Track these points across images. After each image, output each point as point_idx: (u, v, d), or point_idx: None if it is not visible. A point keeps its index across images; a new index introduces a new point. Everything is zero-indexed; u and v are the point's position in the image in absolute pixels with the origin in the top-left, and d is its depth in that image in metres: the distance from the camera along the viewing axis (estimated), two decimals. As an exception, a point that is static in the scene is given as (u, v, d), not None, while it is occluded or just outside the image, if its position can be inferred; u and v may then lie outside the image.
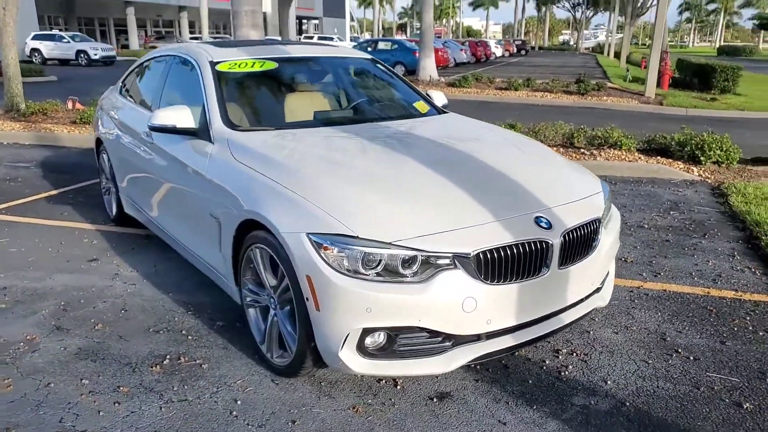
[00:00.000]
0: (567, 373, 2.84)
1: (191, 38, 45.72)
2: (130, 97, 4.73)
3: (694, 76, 20.46)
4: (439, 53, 26.78)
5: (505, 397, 2.64)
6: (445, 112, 4.09)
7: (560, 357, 2.99)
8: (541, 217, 2.61)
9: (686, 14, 78.08)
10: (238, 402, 2.63)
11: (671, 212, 5.45)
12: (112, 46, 34.33)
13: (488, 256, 2.40)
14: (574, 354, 3.02)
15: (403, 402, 2.62)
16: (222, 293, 3.50)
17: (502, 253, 2.42)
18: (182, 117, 3.36)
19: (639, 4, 40.73)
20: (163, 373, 2.86)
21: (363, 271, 2.34)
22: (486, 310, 2.42)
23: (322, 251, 2.38)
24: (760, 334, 3.22)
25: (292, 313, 2.65)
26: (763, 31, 65.85)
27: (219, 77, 3.59)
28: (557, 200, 2.76)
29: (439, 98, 4.31)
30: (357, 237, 2.36)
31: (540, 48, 68.89)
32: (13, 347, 3.11)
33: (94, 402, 2.62)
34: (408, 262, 2.35)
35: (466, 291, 2.36)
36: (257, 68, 3.81)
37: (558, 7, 63.23)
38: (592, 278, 2.86)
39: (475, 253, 2.38)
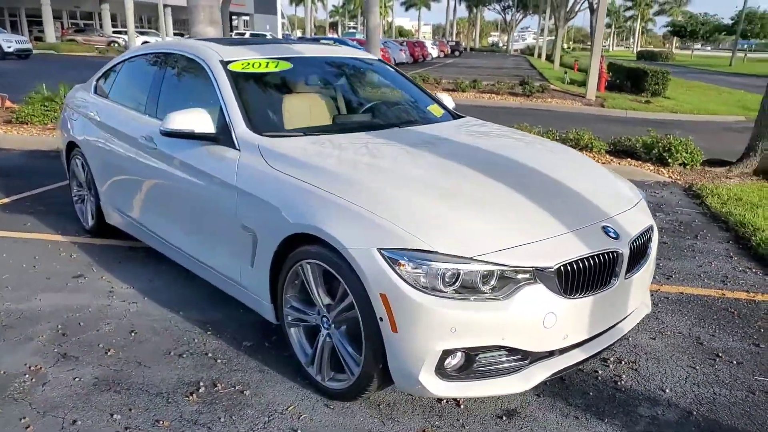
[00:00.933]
0: (623, 383, 2.81)
1: (114, 32, 43.59)
2: (112, 97, 4.36)
3: (627, 79, 21.37)
4: (416, 49, 26.81)
5: (573, 411, 2.58)
6: (460, 116, 3.99)
7: (610, 366, 2.95)
8: (608, 226, 2.55)
9: (606, 20, 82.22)
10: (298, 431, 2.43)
11: (657, 214, 5.59)
12: (26, 38, 32.11)
13: (568, 269, 2.32)
14: (622, 362, 2.99)
15: (471, 422, 2.50)
16: (238, 310, 3.28)
17: (580, 266, 2.35)
18: (201, 121, 3.10)
19: (569, 9, 42.32)
20: (203, 403, 2.61)
21: (442, 288, 2.21)
22: (564, 324, 2.34)
23: (397, 267, 2.22)
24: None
25: (353, 332, 2.48)
26: (675, 38, 69.74)
27: (234, 78, 3.34)
28: (616, 208, 2.72)
29: (448, 101, 4.21)
30: (436, 252, 2.22)
31: (471, 49, 70.25)
32: (18, 380, 2.77)
33: (135, 440, 2.36)
34: (487, 277, 2.23)
35: (546, 306, 2.27)
36: (272, 69, 3.58)
37: (489, 9, 64.74)
38: (645, 286, 2.84)
39: (557, 266, 2.29)
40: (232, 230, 2.98)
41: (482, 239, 2.29)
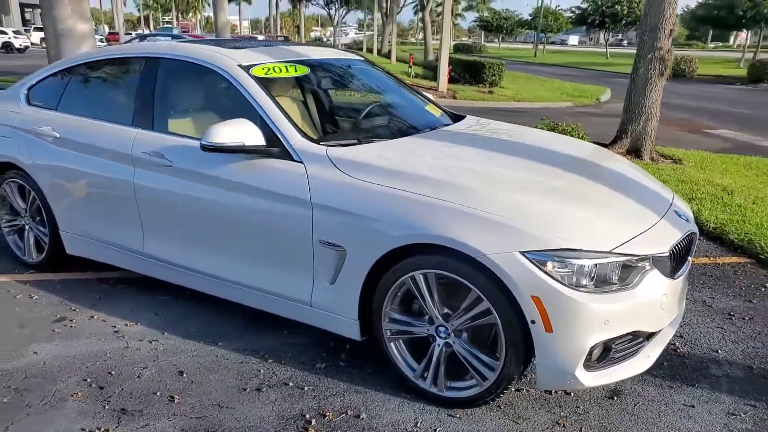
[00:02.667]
0: (682, 351, 3.13)
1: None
2: (65, 109, 3.77)
3: (465, 72, 22.87)
4: None
5: (663, 382, 2.83)
6: (459, 115, 4.06)
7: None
8: (678, 211, 2.84)
9: (420, 14, 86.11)
10: (447, 446, 2.39)
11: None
12: None
13: (674, 252, 2.55)
14: (663, 331, 3.33)
15: (590, 406, 2.65)
16: (281, 333, 3.19)
17: (678, 248, 2.60)
18: (250, 134, 2.84)
19: (399, 4, 44.05)
20: (325, 435, 2.44)
21: (586, 283, 2.31)
22: (670, 304, 2.57)
23: (546, 269, 2.28)
24: (763, 289, 3.92)
25: (481, 338, 2.50)
26: (483, 31, 75.61)
27: (264, 85, 3.10)
28: (669, 196, 3.02)
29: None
30: (580, 249, 2.31)
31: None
32: (92, 449, 2.36)
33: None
34: (619, 268, 2.38)
35: (661, 289, 2.48)
36: (292, 73, 3.37)
37: (313, 3, 64.89)
38: None
39: (669, 251, 2.51)
40: (302, 248, 2.79)
41: (608, 233, 2.43)
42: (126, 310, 3.54)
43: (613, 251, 2.35)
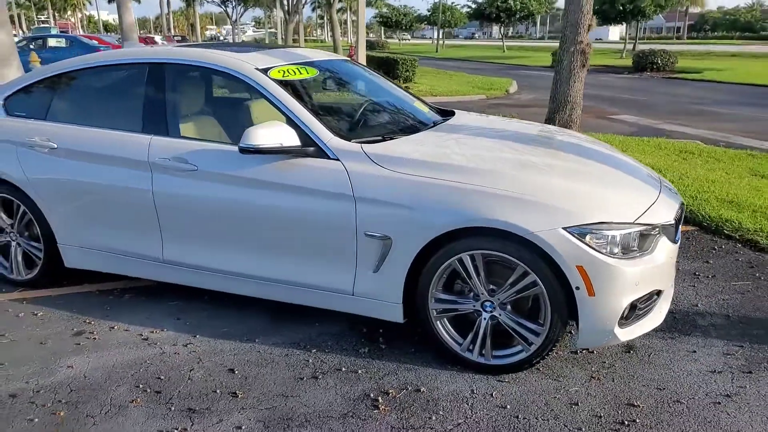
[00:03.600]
0: (671, 308, 3.55)
1: None
2: (55, 118, 3.67)
3: (380, 68, 23.27)
4: None
5: (667, 335, 3.25)
6: (446, 110, 4.30)
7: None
8: (667, 185, 3.27)
9: (318, 12, 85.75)
10: (508, 407, 2.65)
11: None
12: None
13: (675, 220, 2.96)
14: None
15: (613, 360, 3.01)
16: (314, 325, 3.38)
17: (677, 216, 3.01)
18: (286, 135, 2.97)
19: (296, 3, 43.80)
20: (397, 409, 2.64)
21: (616, 251, 2.66)
22: (673, 265, 2.98)
23: (585, 240, 2.60)
24: (714, 251, 4.50)
25: (525, 308, 2.79)
26: (382, 27, 76.54)
27: (286, 87, 3.22)
28: (654, 173, 3.45)
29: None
30: (611, 222, 2.66)
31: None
32: (179, 448, 2.42)
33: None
34: (639, 236, 2.74)
35: (669, 252, 2.88)
36: (305, 75, 3.49)
37: (208, 1, 62.98)
38: None
39: (674, 220, 2.91)
40: (345, 240, 2.96)
41: (627, 206, 2.79)
42: (143, 318, 3.53)
43: (635, 222, 2.71)
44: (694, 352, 3.09)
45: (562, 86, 9.19)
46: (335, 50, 31.83)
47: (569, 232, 2.60)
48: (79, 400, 2.75)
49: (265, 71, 3.28)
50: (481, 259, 2.75)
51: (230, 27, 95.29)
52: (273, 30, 68.36)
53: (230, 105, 3.55)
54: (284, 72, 3.36)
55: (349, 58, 4.34)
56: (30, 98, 3.82)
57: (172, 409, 2.67)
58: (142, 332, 3.36)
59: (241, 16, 63.74)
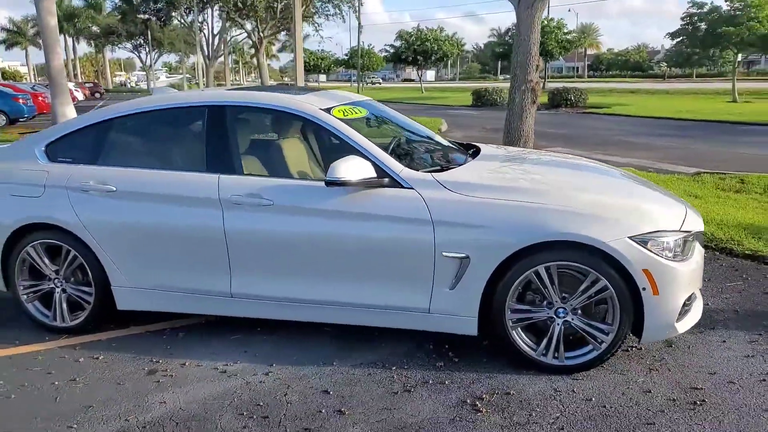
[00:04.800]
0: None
1: None
2: (107, 162, 3.74)
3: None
4: (39, 98, 23.71)
5: (695, 329, 3.65)
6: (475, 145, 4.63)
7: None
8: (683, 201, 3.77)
9: (233, 56, 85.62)
10: (593, 399, 2.97)
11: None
12: None
13: (703, 227, 3.45)
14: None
15: (660, 354, 3.41)
16: (381, 344, 3.60)
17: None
18: (365, 168, 3.24)
19: (216, 48, 43.79)
20: (495, 411, 2.89)
21: (670, 256, 3.09)
22: (702, 267, 3.45)
23: (648, 247, 3.02)
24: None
25: (594, 312, 3.14)
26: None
27: (352, 125, 3.49)
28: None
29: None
30: (664, 230, 3.09)
31: (106, 90, 65.39)
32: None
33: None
34: (683, 241, 3.19)
35: (701, 257, 3.35)
36: (359, 114, 3.77)
37: (119, 47, 61.48)
38: None
39: (702, 227, 3.39)
40: (423, 261, 3.22)
41: (670, 217, 3.24)
42: (208, 353, 3.60)
43: (680, 230, 3.16)
44: (725, 341, 3.55)
45: (515, 122, 9.88)
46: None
47: (634, 241, 3.00)
48: (203, 427, 2.81)
49: (327, 110, 3.54)
50: (555, 270, 3.10)
51: (140, 73, 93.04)
52: (188, 75, 67.44)
53: (301, 142, 3.76)
54: (343, 111, 3.63)
55: (372, 99, 4.65)
56: (76, 144, 3.85)
57: (288, 430, 2.79)
58: (216, 366, 3.43)
59: (155, 62, 62.69)
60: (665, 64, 50.34)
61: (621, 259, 2.99)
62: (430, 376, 3.24)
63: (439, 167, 3.56)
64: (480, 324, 3.27)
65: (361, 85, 60.52)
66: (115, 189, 3.63)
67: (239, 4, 26.90)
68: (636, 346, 3.49)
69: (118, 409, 3.01)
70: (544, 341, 3.21)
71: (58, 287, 3.85)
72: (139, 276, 3.69)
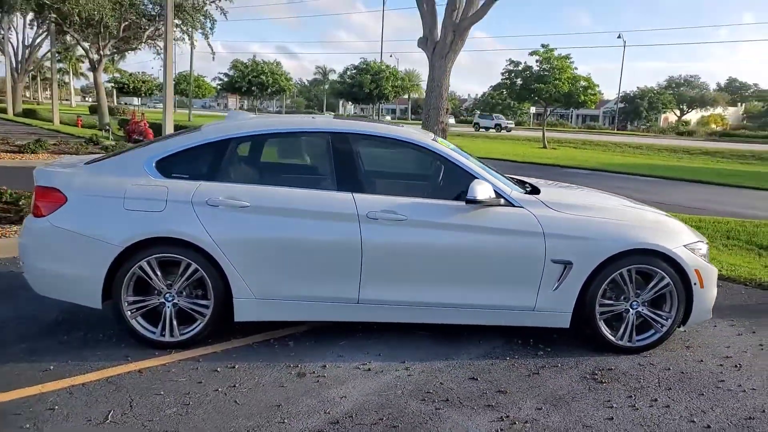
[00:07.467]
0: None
1: None
2: (228, 179, 3.94)
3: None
4: None
5: (715, 320, 4.87)
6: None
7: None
8: (676, 221, 5.02)
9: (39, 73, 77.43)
10: (680, 371, 3.94)
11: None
12: None
13: (703, 241, 4.67)
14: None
15: (701, 330, 4.52)
16: (475, 341, 4.23)
17: (699, 240, 4.74)
18: (489, 190, 3.92)
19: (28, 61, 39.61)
20: (610, 381, 3.72)
21: (706, 258, 4.23)
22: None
23: (695, 253, 4.12)
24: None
25: (654, 303, 4.13)
26: (118, 93, 72.57)
27: (461, 153, 4.17)
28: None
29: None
30: (701, 241, 4.24)
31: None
32: None
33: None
34: (706, 250, 4.36)
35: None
36: (451, 144, 4.43)
37: None
38: None
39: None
40: (535, 267, 3.98)
41: (696, 232, 4.39)
42: (335, 356, 3.93)
43: (704, 241, 4.32)
44: (754, 332, 4.75)
45: (429, 157, 11.03)
46: (101, 116, 29.64)
47: (687, 248, 4.08)
48: (402, 413, 3.21)
49: (434, 140, 4.18)
50: (634, 272, 4.05)
51: None
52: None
53: (417, 167, 4.28)
54: (440, 142, 4.28)
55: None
56: (191, 161, 3.96)
57: (475, 408, 3.32)
58: (356, 366, 3.79)
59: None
60: (479, 111, 56.60)
61: (680, 262, 4.03)
62: (542, 362, 3.97)
63: (523, 191, 4.35)
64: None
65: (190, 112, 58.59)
66: (248, 205, 3.83)
67: (79, 18, 24.93)
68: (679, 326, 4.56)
69: (305, 406, 3.27)
70: (621, 328, 4.13)
71: (168, 301, 3.87)
72: (265, 287, 3.89)
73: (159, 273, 3.83)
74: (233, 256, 3.82)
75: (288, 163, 4.16)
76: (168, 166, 3.94)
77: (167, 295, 3.86)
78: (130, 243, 3.74)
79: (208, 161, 3.98)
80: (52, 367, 3.54)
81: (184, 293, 3.89)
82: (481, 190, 3.84)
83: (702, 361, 4.09)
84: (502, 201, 4.01)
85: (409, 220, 3.91)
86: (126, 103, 79.36)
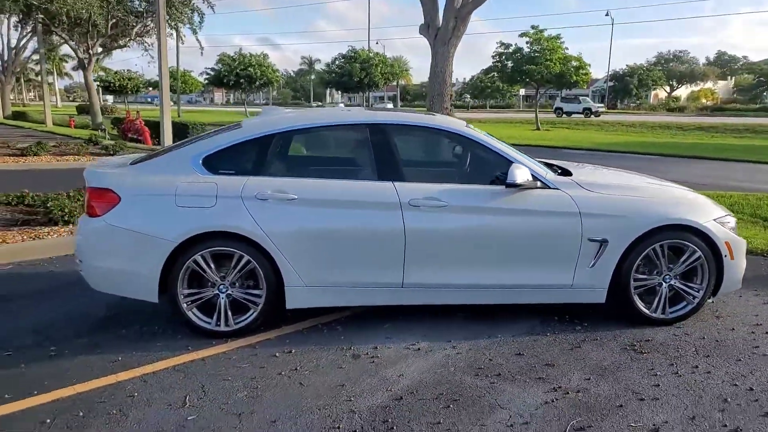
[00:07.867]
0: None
1: None
2: (278, 173, 4.09)
3: (176, 132, 22.74)
4: None
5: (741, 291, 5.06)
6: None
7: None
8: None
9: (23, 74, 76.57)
10: (715, 339, 4.13)
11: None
12: None
13: (726, 215, 4.85)
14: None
15: (727, 300, 4.71)
16: (511, 321, 4.37)
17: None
18: (527, 174, 4.07)
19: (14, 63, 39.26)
20: (656, 352, 3.91)
21: (735, 231, 4.40)
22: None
23: (725, 227, 4.29)
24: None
25: (685, 276, 4.31)
26: (105, 92, 72.13)
27: (493, 138, 4.31)
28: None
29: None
30: (729, 215, 4.41)
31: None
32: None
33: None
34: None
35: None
36: (481, 131, 4.57)
37: None
38: None
39: (729, 215, 4.80)
40: (572, 245, 4.14)
41: (722, 206, 4.56)
42: (383, 338, 4.09)
43: (731, 214, 4.50)
44: (741, 296, 4.97)
45: (436, 144, 11.16)
46: (93, 116, 29.53)
47: (717, 222, 4.25)
48: (459, 388, 3.37)
49: (468, 127, 4.32)
50: (666, 247, 4.22)
51: None
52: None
53: (452, 154, 4.41)
54: (474, 129, 4.42)
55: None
56: (236, 157, 4.08)
57: (526, 381, 3.50)
58: (406, 347, 3.95)
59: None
60: (469, 96, 56.62)
61: (711, 236, 4.20)
62: (582, 337, 4.14)
63: (557, 173, 4.50)
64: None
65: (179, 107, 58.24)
66: (296, 197, 3.97)
67: (67, 18, 24.71)
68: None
69: (367, 385, 3.43)
70: (655, 301, 4.31)
71: (222, 293, 4.00)
72: (314, 275, 4.03)
73: (212, 266, 3.96)
74: (284, 247, 3.95)
75: (329, 156, 4.28)
76: (214, 163, 4.05)
77: (221, 286, 4.00)
78: (184, 238, 3.87)
79: (253, 157, 4.10)
80: (120, 359, 3.68)
81: (237, 284, 4.02)
82: (521, 174, 3.98)
83: (734, 329, 4.28)
84: (539, 184, 4.16)
85: (451, 206, 4.05)
86: (114, 102, 78.76)
